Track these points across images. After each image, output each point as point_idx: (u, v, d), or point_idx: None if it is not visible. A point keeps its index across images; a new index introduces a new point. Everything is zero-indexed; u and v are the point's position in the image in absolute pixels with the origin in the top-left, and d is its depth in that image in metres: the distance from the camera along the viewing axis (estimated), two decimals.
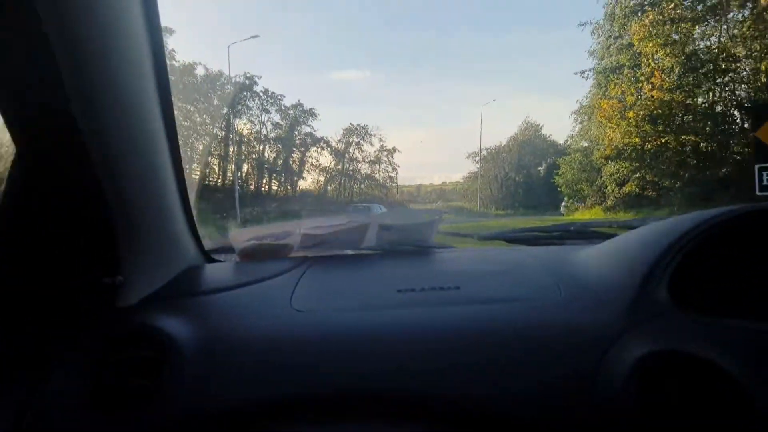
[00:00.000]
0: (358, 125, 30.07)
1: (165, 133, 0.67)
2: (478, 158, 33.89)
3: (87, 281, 0.62)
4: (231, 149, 23.94)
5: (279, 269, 0.77)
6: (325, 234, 0.90)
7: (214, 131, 23.56)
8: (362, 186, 30.66)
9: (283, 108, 26.96)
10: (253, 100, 25.71)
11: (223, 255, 0.93)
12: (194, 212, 0.81)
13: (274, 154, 26.83)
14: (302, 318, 0.63)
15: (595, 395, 0.50)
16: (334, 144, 29.00)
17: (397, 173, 32.05)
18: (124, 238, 0.62)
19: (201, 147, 22.55)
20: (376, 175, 31.21)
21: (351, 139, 30.10)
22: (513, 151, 32.42)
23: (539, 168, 30.90)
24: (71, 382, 0.55)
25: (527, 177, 31.21)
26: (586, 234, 1.02)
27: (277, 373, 0.56)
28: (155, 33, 0.62)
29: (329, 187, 29.58)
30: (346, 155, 29.89)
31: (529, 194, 30.41)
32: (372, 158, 30.41)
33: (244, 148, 25.53)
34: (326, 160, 29.66)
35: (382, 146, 30.49)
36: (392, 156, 31.17)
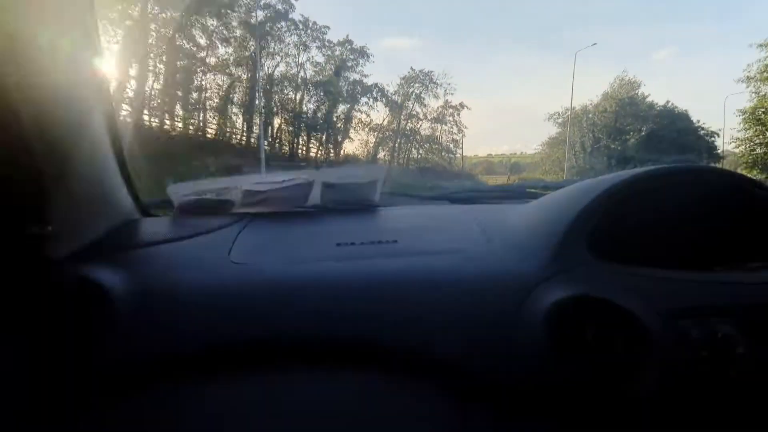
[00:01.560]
0: (421, 71, 23.10)
1: (94, 77, 0.65)
2: (560, 119, 26.89)
3: (13, 231, 0.59)
4: (257, 96, 17.45)
5: (218, 224, 0.77)
6: (267, 191, 0.89)
7: (234, 70, 17.72)
8: (421, 151, 24.44)
9: (327, 44, 20.42)
10: (289, 32, 19.18)
11: (161, 210, 0.90)
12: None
13: (313, 106, 20.42)
14: (240, 270, 0.63)
15: (516, 339, 0.54)
16: (389, 95, 22.61)
17: (463, 136, 25.19)
18: (53, 187, 0.59)
19: (213, 89, 17.32)
20: (439, 137, 24.57)
21: (411, 90, 23.31)
22: (610, 110, 25.47)
23: (638, 134, 24.81)
24: (2, 338, 0.54)
25: (624, 145, 24.73)
26: (522, 194, 1.09)
27: (214, 322, 0.56)
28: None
29: (381, 151, 23.55)
30: (404, 110, 23.30)
31: (626, 166, 24.53)
32: (435, 115, 23.74)
33: (276, 97, 19.30)
34: (378, 116, 23.83)
35: (446, 102, 23.68)
36: (458, 114, 24.14)
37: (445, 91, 23.13)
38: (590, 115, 26.23)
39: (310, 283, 0.61)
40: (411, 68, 23.66)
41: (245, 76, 18.01)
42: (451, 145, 24.65)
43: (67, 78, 0.59)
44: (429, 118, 23.77)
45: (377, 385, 0.56)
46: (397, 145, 23.78)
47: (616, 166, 23.67)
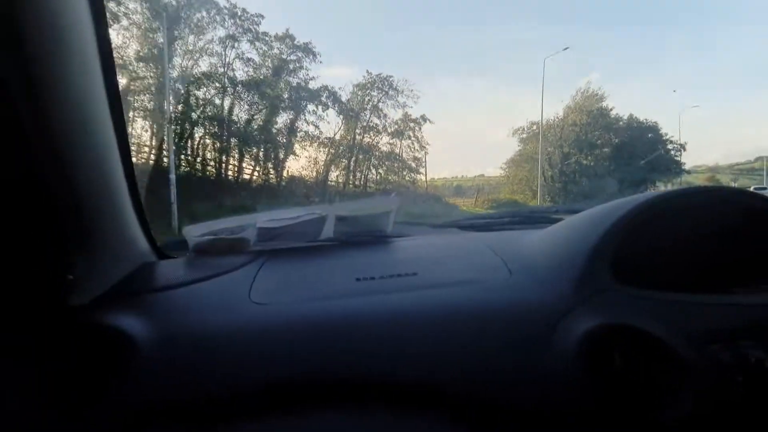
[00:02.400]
0: (378, 76, 19.10)
1: (114, 129, 0.65)
2: (525, 135, 25.08)
3: (35, 281, 0.59)
4: (167, 101, 12.16)
5: (236, 263, 0.77)
6: (281, 227, 0.89)
7: (138, 67, 12.76)
8: (381, 170, 20.59)
9: (261, 37, 15.93)
10: (212, 21, 14.80)
11: (177, 252, 0.89)
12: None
13: (245, 115, 15.77)
14: (261, 311, 0.63)
15: (546, 369, 0.53)
16: (343, 102, 18.49)
17: (426, 153, 21.64)
18: (73, 236, 0.60)
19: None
20: (399, 154, 20.78)
21: (367, 97, 19.39)
22: (580, 123, 23.59)
23: (610, 147, 23.37)
24: (23, 386, 0.54)
25: (596, 160, 22.99)
26: (533, 219, 1.09)
27: (238, 368, 0.56)
28: (102, 29, 0.60)
29: (334, 170, 19.48)
30: (360, 122, 19.26)
31: (599, 183, 22.38)
32: (395, 128, 20.03)
33: (193, 100, 14.34)
34: (330, 128, 20.09)
35: (406, 114, 20.08)
36: (420, 128, 20.60)
37: (407, 100, 19.72)
38: (557, 129, 24.56)
39: (333, 321, 0.60)
40: (367, 71, 19.52)
41: (152, 74, 13.11)
42: (413, 164, 21.20)
43: (86, 128, 0.59)
44: (389, 131, 20.10)
45: (403, 423, 0.54)
46: (352, 163, 19.85)
47: (589, 183, 22.60)
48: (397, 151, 20.67)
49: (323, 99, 17.56)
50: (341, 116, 18.76)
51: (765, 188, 24.94)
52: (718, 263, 0.65)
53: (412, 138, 20.62)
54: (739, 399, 0.50)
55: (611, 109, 24.45)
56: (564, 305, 0.58)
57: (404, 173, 21.05)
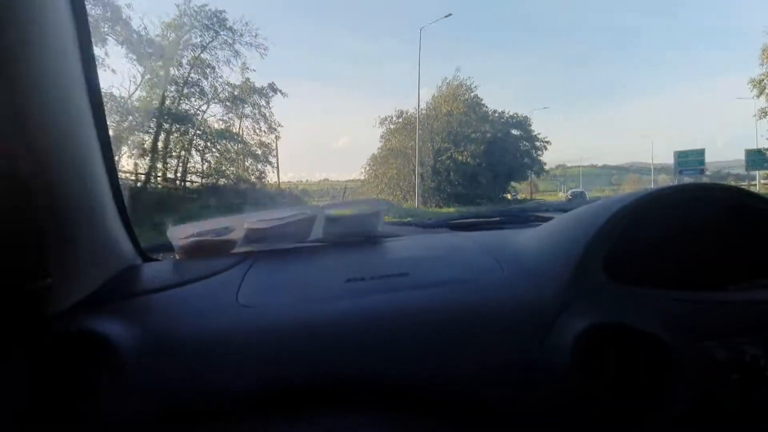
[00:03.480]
0: (202, 8, 12.38)
1: (95, 128, 0.63)
2: (394, 125, 21.67)
3: (12, 286, 0.56)
4: None
5: (223, 265, 0.75)
6: (269, 228, 0.86)
7: None
8: (209, 157, 13.47)
9: None
10: None
11: (161, 254, 0.87)
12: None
13: None
14: (250, 313, 0.61)
15: (540, 369, 0.53)
16: (139, 38, 11.14)
17: (278, 138, 15.20)
18: (53, 238, 0.57)
19: None
20: (240, 133, 14.12)
21: (186, 37, 12.21)
22: (457, 113, 20.76)
23: (484, 141, 20.95)
24: (2, 397, 0.52)
25: (472, 154, 20.26)
26: (524, 218, 1.08)
27: (225, 372, 0.54)
28: (83, 30, 0.59)
29: (124, 149, 11.20)
30: (170, 75, 11.99)
31: (476, 183, 20.73)
32: (230, 94, 13.41)
33: None
34: (117, 80, 14.46)
35: (247, 80, 13.86)
36: (269, 103, 14.49)
37: (247, 53, 13.46)
38: (430, 120, 21.28)
39: (323, 323, 0.59)
40: None
41: None
42: (259, 151, 14.61)
43: (66, 127, 0.57)
44: (220, 97, 13.33)
45: (395, 424, 0.54)
46: (161, 144, 12.04)
47: (465, 182, 20.51)
48: (236, 129, 14.15)
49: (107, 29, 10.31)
50: (137, 63, 11.44)
51: (582, 191, 27.85)
52: (712, 260, 0.66)
53: (258, 115, 14.46)
54: (734, 396, 0.50)
55: (482, 100, 22.40)
56: (557, 304, 0.58)
57: (247, 162, 14.33)
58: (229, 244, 0.85)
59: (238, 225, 0.86)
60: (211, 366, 0.55)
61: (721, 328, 0.54)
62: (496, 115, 23.30)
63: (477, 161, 20.31)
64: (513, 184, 26.04)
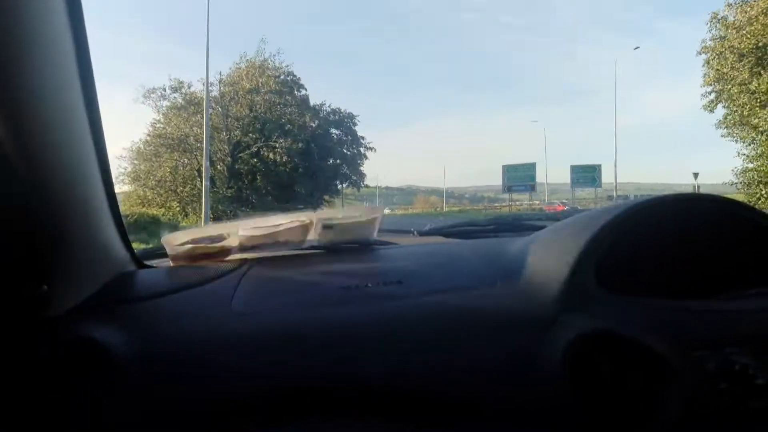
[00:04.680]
0: None
1: (90, 134, 0.63)
2: (168, 100, 15.34)
3: (6, 292, 0.57)
4: None
5: (217, 272, 0.74)
6: (264, 235, 0.86)
7: None
8: None
9: None
10: None
11: (156, 260, 0.87)
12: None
13: None
14: (244, 320, 0.61)
15: (533, 377, 0.53)
16: None
17: None
18: (47, 244, 0.57)
19: None
20: None
21: None
22: (266, 89, 15.12)
23: (300, 143, 15.76)
24: None
25: (290, 152, 15.04)
26: (518, 227, 1.09)
27: (220, 379, 0.54)
28: (80, 34, 0.58)
29: None
30: None
31: (292, 193, 15.93)
32: None
33: None
34: None
35: None
36: None
37: None
38: (226, 98, 14.83)
39: (318, 331, 0.59)
40: None
41: None
42: None
43: (61, 133, 0.57)
44: None
45: (390, 430, 0.54)
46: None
47: (276, 191, 15.17)
48: None
49: None
50: None
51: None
52: (704, 270, 0.66)
53: None
54: (726, 405, 0.50)
55: (299, 79, 17.03)
56: (550, 313, 0.58)
57: None
58: (223, 251, 0.84)
59: (232, 232, 0.86)
60: (206, 373, 0.55)
61: (713, 337, 0.54)
62: (323, 106, 18.67)
63: (294, 163, 14.99)
64: (326, 198, 20.90)
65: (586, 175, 29.22)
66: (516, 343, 0.56)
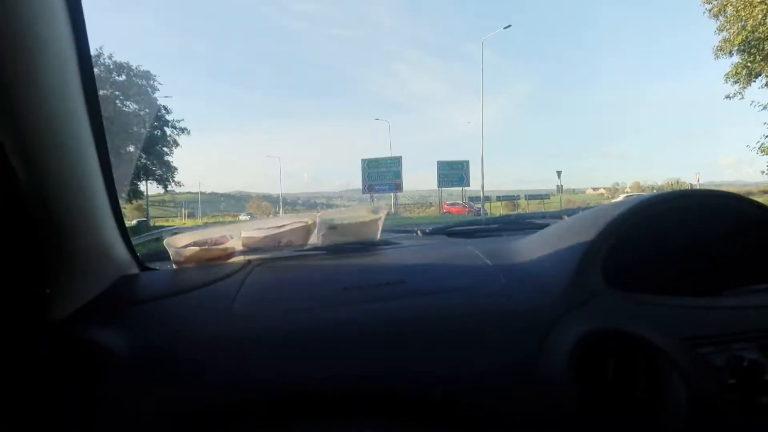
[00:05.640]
0: None
1: (92, 135, 0.63)
2: None
3: (10, 295, 0.57)
4: None
5: (220, 274, 0.74)
6: (267, 236, 0.85)
7: None
8: None
9: None
10: None
11: (159, 263, 0.86)
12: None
13: None
14: (247, 322, 0.61)
15: (539, 375, 0.52)
16: None
17: None
18: (50, 248, 0.57)
19: None
20: None
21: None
22: None
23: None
24: (2, 404, 0.51)
25: None
26: (522, 225, 1.08)
27: (223, 381, 0.54)
28: (79, 33, 0.58)
29: None
30: None
31: None
32: None
33: None
34: None
35: None
36: None
37: None
38: None
39: (321, 332, 0.59)
40: None
41: None
42: None
43: (63, 134, 0.57)
44: None
45: (393, 430, 0.54)
46: None
47: None
48: None
49: None
50: None
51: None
52: (709, 266, 0.65)
53: None
54: (731, 401, 0.49)
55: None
56: (556, 311, 0.57)
57: None
58: (226, 253, 0.84)
59: (235, 233, 0.86)
60: (209, 375, 0.55)
61: (721, 333, 0.54)
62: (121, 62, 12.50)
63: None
64: (124, 206, 12.41)
65: (454, 172, 25.23)
66: (520, 342, 0.55)
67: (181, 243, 0.82)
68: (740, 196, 0.66)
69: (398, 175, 25.06)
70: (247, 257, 0.84)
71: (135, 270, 0.79)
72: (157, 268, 0.84)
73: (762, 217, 0.64)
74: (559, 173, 23.27)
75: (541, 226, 0.93)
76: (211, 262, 0.82)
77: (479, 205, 22.61)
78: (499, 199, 30.54)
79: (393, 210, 23.69)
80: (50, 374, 0.53)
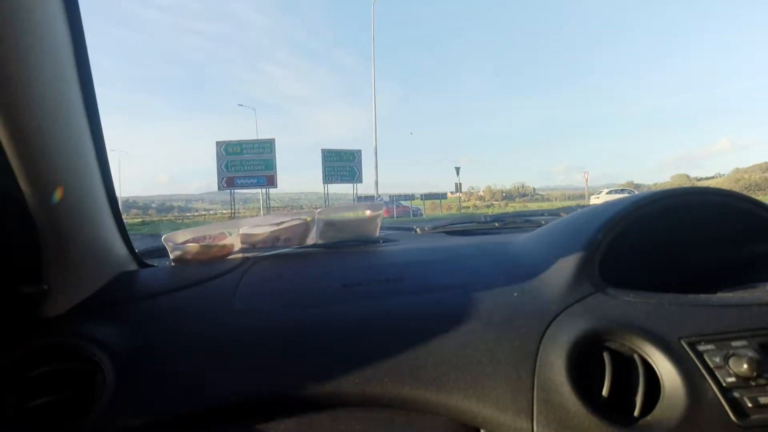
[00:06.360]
0: None
1: (90, 132, 0.63)
2: None
3: (7, 291, 0.56)
4: None
5: (218, 271, 0.74)
6: (266, 233, 0.85)
7: None
8: None
9: None
10: None
11: (157, 259, 0.86)
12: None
13: None
14: (246, 319, 0.61)
15: (536, 373, 0.52)
16: None
17: None
18: (48, 244, 0.57)
19: None
20: None
21: None
22: None
23: None
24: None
25: None
26: (520, 224, 1.07)
27: (222, 377, 0.54)
28: (77, 32, 0.58)
29: None
30: None
31: None
32: None
33: None
34: None
35: None
36: None
37: None
38: None
39: (319, 328, 0.59)
40: None
41: None
42: None
43: (61, 132, 0.56)
44: None
45: (390, 425, 0.53)
46: None
47: None
48: None
49: None
50: None
51: None
52: (706, 264, 0.65)
53: None
54: (735, 400, 0.49)
55: None
56: (554, 308, 0.57)
57: None
58: (225, 249, 0.83)
59: (233, 231, 0.85)
60: (207, 371, 0.54)
61: (719, 330, 0.54)
62: None
63: None
64: None
65: (343, 165, 19.86)
66: (519, 339, 0.55)
67: (179, 240, 0.82)
68: (742, 194, 0.66)
69: (271, 165, 17.84)
70: (246, 254, 0.84)
71: (133, 266, 0.78)
72: (156, 264, 0.83)
73: (761, 215, 0.64)
74: (457, 169, 22.05)
75: (540, 224, 0.93)
76: (209, 259, 0.81)
77: (407, 203, 21.35)
78: (423, 198, 26.42)
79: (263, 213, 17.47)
80: (46, 370, 0.53)
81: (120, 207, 0.74)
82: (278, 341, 0.57)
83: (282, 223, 0.87)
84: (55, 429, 0.50)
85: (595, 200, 22.96)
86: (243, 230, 0.85)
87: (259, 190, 19.92)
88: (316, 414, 0.54)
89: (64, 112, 0.57)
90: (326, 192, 20.79)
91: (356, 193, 21.05)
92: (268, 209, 20.04)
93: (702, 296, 0.58)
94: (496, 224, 1.11)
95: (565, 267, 0.62)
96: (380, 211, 0.95)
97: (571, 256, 0.62)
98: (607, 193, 25.14)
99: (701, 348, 0.52)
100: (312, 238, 0.89)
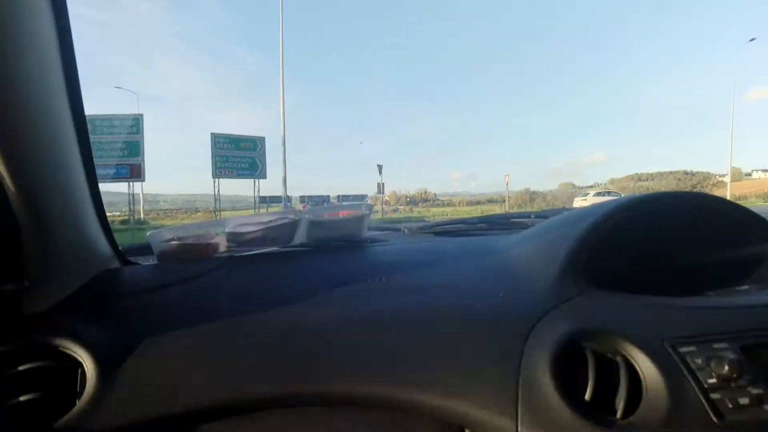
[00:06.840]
0: None
1: (75, 130, 0.62)
2: None
3: None
4: None
5: (202, 269, 0.73)
6: (252, 232, 0.85)
7: None
8: None
9: None
10: None
11: (141, 257, 0.85)
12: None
13: None
14: (230, 318, 0.61)
15: (521, 374, 0.52)
16: None
17: None
18: (29, 240, 0.56)
19: None
20: None
21: None
22: None
23: None
24: None
25: None
26: (508, 225, 1.09)
27: (203, 378, 0.54)
28: (63, 31, 0.58)
29: None
30: None
31: None
32: None
33: None
34: None
35: None
36: None
37: None
38: None
39: (305, 328, 0.59)
40: None
41: None
42: None
43: (45, 130, 0.56)
44: None
45: (378, 425, 0.54)
46: None
47: None
48: None
49: None
50: None
51: None
52: (691, 266, 0.66)
53: None
54: (716, 402, 0.49)
55: None
56: (539, 310, 0.58)
57: None
58: (209, 248, 0.83)
59: (219, 229, 0.85)
60: (190, 370, 0.54)
61: (701, 333, 0.54)
62: None
63: None
64: None
65: (241, 155, 15.56)
66: (503, 340, 0.56)
67: (163, 238, 0.81)
68: (724, 198, 0.67)
69: (137, 150, 12.49)
70: (232, 253, 0.83)
71: (116, 264, 0.78)
72: (140, 262, 0.82)
73: (743, 219, 0.65)
74: (380, 167, 19.92)
75: (527, 226, 0.94)
76: (193, 257, 0.81)
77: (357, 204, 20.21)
78: (341, 200, 25.78)
79: (130, 218, 15.13)
80: (27, 368, 0.53)
81: None
82: (263, 341, 0.57)
83: (269, 222, 0.87)
84: (34, 427, 0.50)
85: (582, 202, 23.29)
86: (229, 229, 0.84)
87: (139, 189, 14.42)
88: (302, 414, 0.54)
89: (48, 109, 0.56)
90: (216, 189, 15.66)
91: (258, 193, 16.71)
92: (133, 210, 15.54)
93: (685, 299, 0.59)
94: (483, 226, 1.12)
95: (550, 269, 0.62)
96: (368, 212, 0.95)
97: (556, 257, 0.63)
98: (594, 195, 25.53)
99: (683, 350, 0.52)
100: (299, 238, 0.88)
